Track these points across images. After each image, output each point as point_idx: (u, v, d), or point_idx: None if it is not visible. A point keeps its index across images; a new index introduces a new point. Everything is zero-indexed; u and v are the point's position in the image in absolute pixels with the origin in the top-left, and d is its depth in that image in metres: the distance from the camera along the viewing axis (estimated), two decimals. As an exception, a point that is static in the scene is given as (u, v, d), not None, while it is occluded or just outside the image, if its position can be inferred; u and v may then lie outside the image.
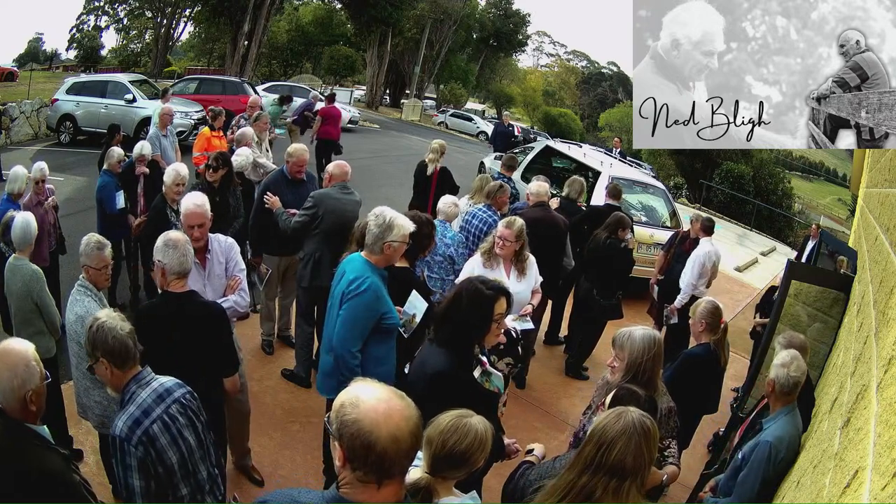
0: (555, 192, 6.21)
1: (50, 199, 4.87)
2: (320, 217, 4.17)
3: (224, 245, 3.32)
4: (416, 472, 1.72)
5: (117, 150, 5.32)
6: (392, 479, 1.27)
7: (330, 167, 4.39)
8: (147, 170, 5.50)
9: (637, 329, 2.49)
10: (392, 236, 2.85)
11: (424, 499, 1.69)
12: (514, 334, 2.86)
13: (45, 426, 1.86)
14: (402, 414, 1.24)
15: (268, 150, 6.68)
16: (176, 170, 4.34)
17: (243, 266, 3.38)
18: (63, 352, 3.49)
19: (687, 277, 5.34)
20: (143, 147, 5.57)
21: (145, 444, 2.04)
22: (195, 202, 3.19)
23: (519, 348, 2.88)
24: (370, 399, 1.25)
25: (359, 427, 1.21)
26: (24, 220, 3.46)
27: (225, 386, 2.83)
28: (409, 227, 2.91)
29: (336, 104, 11.06)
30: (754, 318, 5.66)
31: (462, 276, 3.84)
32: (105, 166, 5.28)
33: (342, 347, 2.84)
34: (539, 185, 5.11)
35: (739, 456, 2.69)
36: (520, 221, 3.79)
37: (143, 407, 2.07)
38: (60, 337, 3.48)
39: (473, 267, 3.81)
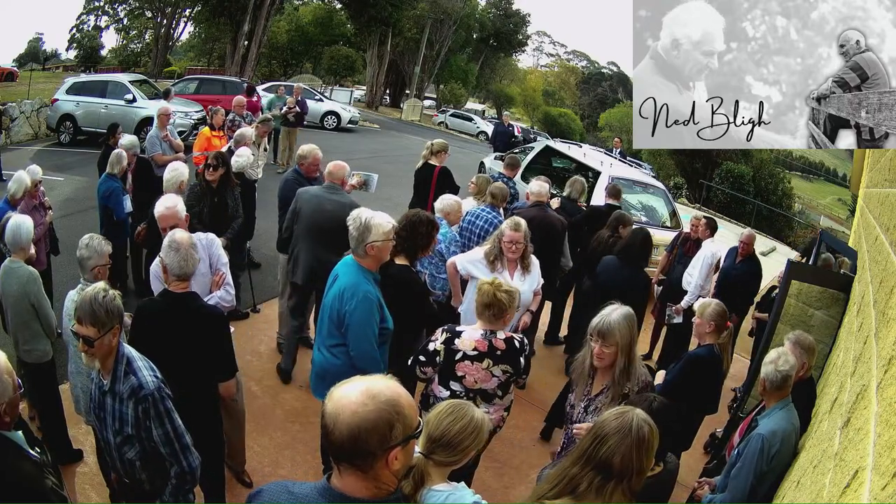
0: (555, 192, 6.21)
1: (44, 200, 4.83)
2: (297, 213, 4.11)
3: (204, 242, 3.29)
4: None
5: (125, 156, 5.25)
6: (342, 466, 1.32)
7: (329, 164, 4.38)
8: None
9: (610, 312, 2.51)
10: (372, 237, 2.82)
11: (416, 479, 1.71)
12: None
13: (18, 432, 1.83)
14: (352, 409, 1.27)
15: (266, 151, 6.67)
16: (173, 173, 4.27)
17: (226, 259, 3.37)
18: (60, 353, 3.48)
19: (695, 279, 5.31)
20: (132, 143, 5.63)
21: (165, 383, 2.24)
22: (165, 205, 3.26)
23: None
24: (343, 390, 1.31)
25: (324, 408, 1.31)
26: (16, 222, 3.38)
27: (219, 390, 2.82)
28: (388, 225, 2.88)
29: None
30: (753, 317, 5.66)
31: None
32: (115, 171, 5.15)
33: (361, 356, 2.82)
34: (539, 185, 5.11)
35: (735, 453, 2.70)
36: (522, 221, 3.80)
37: (140, 358, 2.24)
38: (57, 339, 3.45)
39: (476, 269, 3.81)
